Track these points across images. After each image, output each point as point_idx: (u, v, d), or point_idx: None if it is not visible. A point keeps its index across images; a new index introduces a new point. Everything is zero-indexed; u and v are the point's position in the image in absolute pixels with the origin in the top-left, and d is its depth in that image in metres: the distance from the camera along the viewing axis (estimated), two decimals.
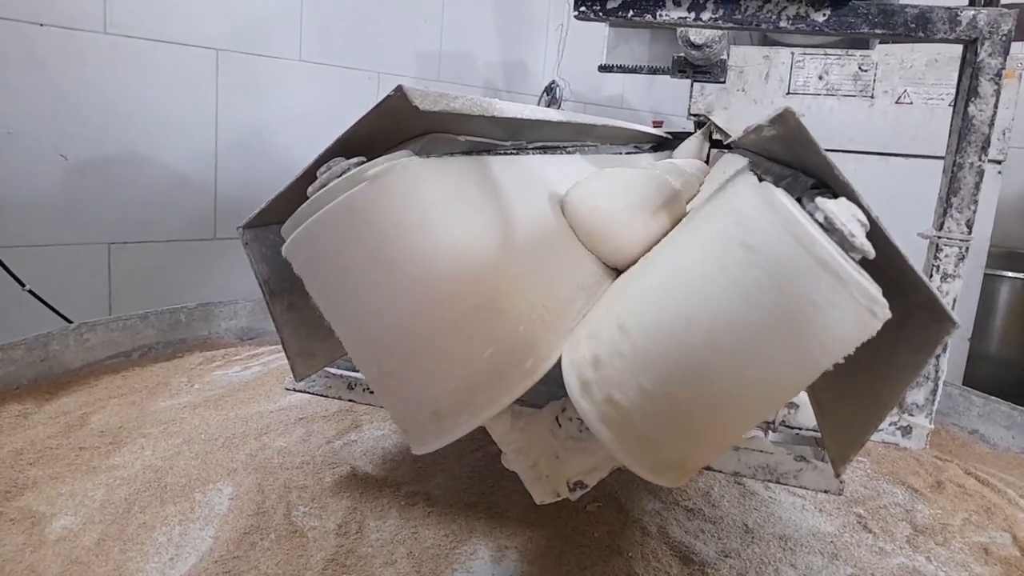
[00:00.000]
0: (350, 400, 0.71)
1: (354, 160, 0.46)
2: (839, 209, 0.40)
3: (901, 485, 0.85)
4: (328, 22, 1.85)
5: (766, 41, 2.25)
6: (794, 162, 0.60)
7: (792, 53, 1.98)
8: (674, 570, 0.65)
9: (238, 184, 1.72)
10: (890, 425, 0.66)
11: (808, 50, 1.98)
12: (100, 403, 0.89)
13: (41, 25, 1.38)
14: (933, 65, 1.87)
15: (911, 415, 0.65)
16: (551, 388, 0.51)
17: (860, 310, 0.39)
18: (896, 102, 1.92)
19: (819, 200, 0.41)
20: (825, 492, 0.60)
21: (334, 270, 0.46)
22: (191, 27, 1.59)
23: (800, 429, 0.64)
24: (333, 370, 0.71)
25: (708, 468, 0.63)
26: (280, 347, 1.09)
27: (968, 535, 0.75)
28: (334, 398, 0.70)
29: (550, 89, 2.27)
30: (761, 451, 0.60)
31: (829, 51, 1.96)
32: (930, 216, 1.85)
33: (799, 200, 0.44)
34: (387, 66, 1.96)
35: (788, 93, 2.00)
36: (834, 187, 0.48)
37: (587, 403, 0.44)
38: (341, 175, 0.45)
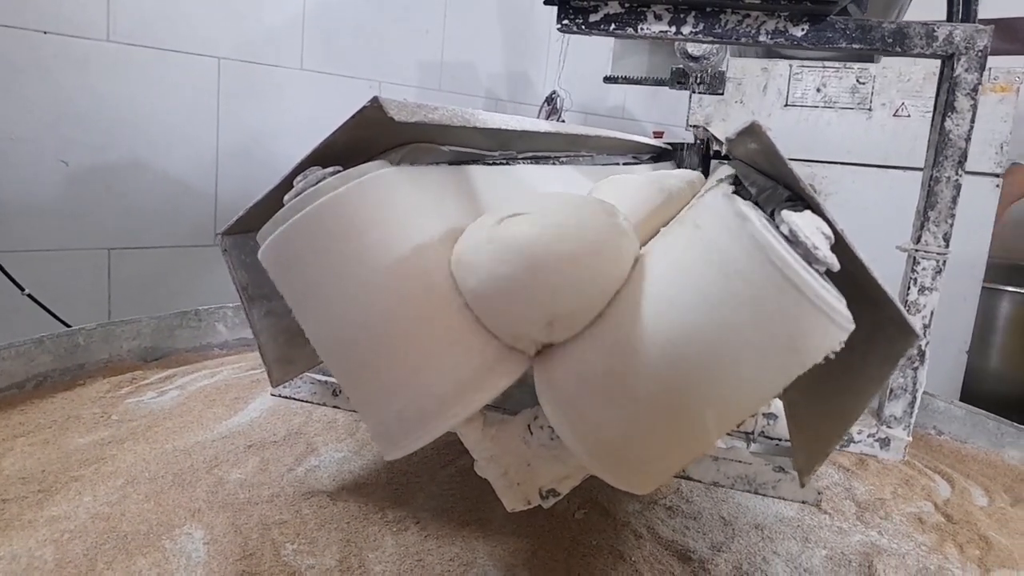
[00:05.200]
0: (335, 407, 0.72)
1: (330, 169, 0.47)
2: (803, 221, 0.41)
3: (833, 465, 0.93)
4: (330, 31, 1.87)
5: (769, 53, 2.26)
6: (774, 174, 0.61)
7: (790, 65, 2.00)
8: (677, 570, 0.65)
9: (239, 191, 1.75)
10: (868, 436, 0.66)
11: (806, 63, 2.00)
12: (6, 444, 0.78)
13: (45, 33, 1.40)
14: (931, 78, 1.87)
15: (889, 427, 0.65)
16: (525, 396, 0.51)
17: (822, 321, 0.40)
18: (894, 115, 1.93)
19: (784, 213, 0.42)
20: (803, 503, 0.60)
21: (306, 275, 0.47)
22: (194, 36, 1.62)
23: (779, 440, 0.65)
24: (319, 376, 0.72)
25: (688, 478, 0.64)
26: (193, 369, 1.08)
27: (901, 507, 0.82)
28: (319, 404, 0.71)
29: (551, 99, 2.28)
30: (740, 461, 0.61)
31: (827, 64, 1.97)
32: None
33: (772, 212, 0.45)
34: (389, 75, 1.97)
35: (786, 105, 2.01)
36: (805, 199, 0.48)
37: (554, 410, 0.44)
38: (317, 183, 0.46)
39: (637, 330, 0.43)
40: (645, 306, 0.43)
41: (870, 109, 1.93)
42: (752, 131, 0.51)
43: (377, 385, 0.46)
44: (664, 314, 0.42)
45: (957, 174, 0.62)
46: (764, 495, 0.62)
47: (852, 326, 0.41)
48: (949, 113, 0.62)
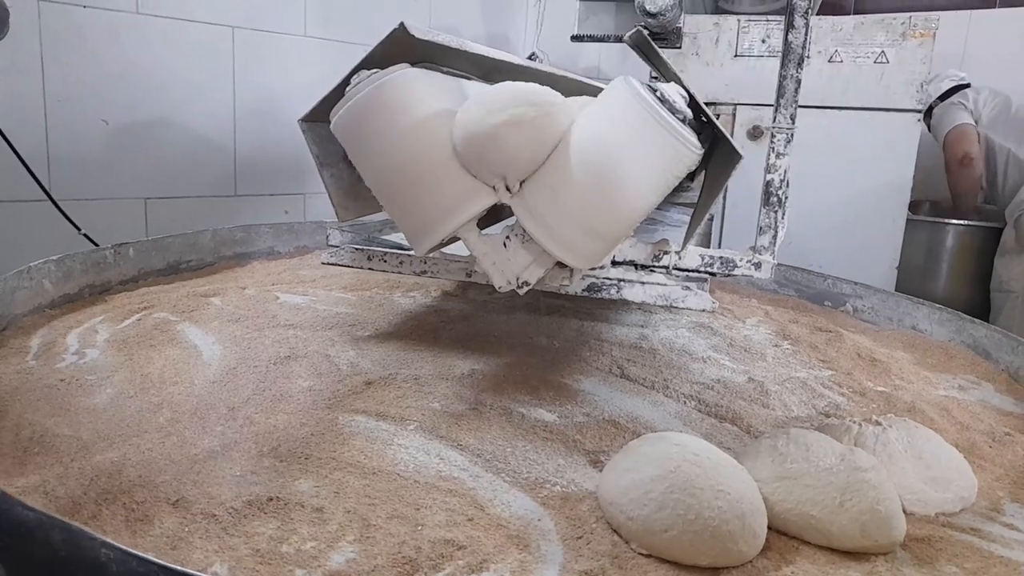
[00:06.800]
0: (369, 268, 0.92)
1: (373, 70, 0.73)
2: (669, 89, 0.68)
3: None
4: (328, 1, 2.04)
5: (717, 10, 2.43)
6: (662, 70, 0.88)
7: (739, 20, 2.16)
8: (615, 352, 0.98)
9: (253, 146, 1.95)
10: (746, 262, 0.85)
11: (753, 17, 2.18)
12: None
13: (84, 7, 1.59)
14: (860, 28, 2.07)
15: (760, 255, 0.85)
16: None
17: (680, 146, 0.67)
18: (829, 61, 2.11)
19: (658, 84, 0.70)
20: (703, 311, 0.83)
21: (363, 136, 0.74)
22: (211, 7, 1.79)
23: (687, 270, 0.85)
24: (357, 246, 0.93)
25: (626, 300, 0.85)
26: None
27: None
28: (356, 268, 0.93)
29: (531, 59, 2.38)
30: (661, 284, 0.83)
31: (770, 18, 2.16)
32: (861, 159, 2.11)
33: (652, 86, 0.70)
34: None
35: (736, 55, 2.18)
36: (675, 79, 0.74)
37: (523, 215, 0.71)
38: (367, 77, 0.72)
39: (570, 159, 0.68)
40: (574, 145, 0.69)
41: (808, 56, 2.07)
42: (638, 33, 0.83)
43: (412, 204, 0.74)
44: (585, 148, 0.68)
45: (797, 71, 0.82)
46: (676, 307, 0.84)
47: (701, 150, 0.68)
48: (791, 30, 0.82)
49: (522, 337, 1.02)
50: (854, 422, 0.69)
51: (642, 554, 0.53)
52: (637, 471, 0.56)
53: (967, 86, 2.47)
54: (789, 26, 0.82)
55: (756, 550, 0.53)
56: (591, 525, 0.57)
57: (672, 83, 0.71)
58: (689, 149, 0.67)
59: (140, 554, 0.38)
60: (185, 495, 0.57)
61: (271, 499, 0.57)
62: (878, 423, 0.68)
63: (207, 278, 1.26)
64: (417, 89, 0.73)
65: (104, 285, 1.13)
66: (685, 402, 0.84)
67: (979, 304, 2.37)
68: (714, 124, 0.75)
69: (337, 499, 0.58)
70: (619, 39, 1.99)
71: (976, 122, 2.39)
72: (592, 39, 2.04)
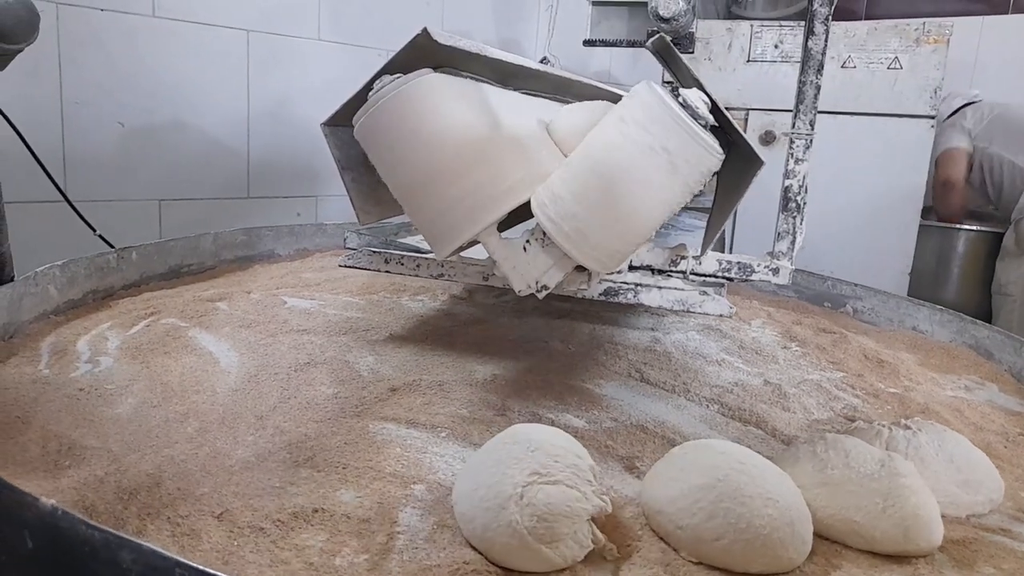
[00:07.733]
0: (387, 271, 0.91)
1: (396, 75, 0.74)
2: (691, 95, 0.69)
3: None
4: (342, 5, 2.05)
5: (729, 15, 2.43)
6: (678, 73, 0.90)
7: (751, 25, 2.15)
8: (631, 355, 0.98)
9: (267, 149, 1.97)
10: (764, 267, 0.85)
11: (766, 22, 2.17)
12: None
13: (101, 10, 1.61)
14: (873, 33, 2.06)
15: (778, 260, 0.85)
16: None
17: (703, 151, 0.68)
18: (842, 67, 2.11)
19: (681, 90, 0.70)
20: (720, 316, 0.83)
21: (386, 140, 0.74)
22: (226, 11, 1.82)
23: (704, 276, 0.86)
24: (375, 249, 0.93)
25: (641, 304, 0.84)
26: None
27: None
28: (374, 270, 0.92)
29: (543, 64, 2.37)
30: (678, 289, 0.83)
31: (784, 23, 2.16)
32: (874, 165, 2.11)
33: (675, 91, 0.70)
34: (395, 45, 2.07)
35: (749, 61, 2.18)
36: (696, 85, 0.74)
37: (545, 220, 0.71)
38: (391, 82, 0.72)
39: (593, 165, 0.69)
40: (597, 151, 0.70)
41: None
42: (661, 38, 0.85)
43: (434, 209, 0.73)
44: (608, 153, 0.69)
45: (816, 78, 0.83)
46: (693, 312, 0.83)
47: (722, 155, 0.68)
48: (811, 36, 0.82)
49: (536, 341, 1.02)
50: (883, 425, 0.70)
51: (692, 562, 0.54)
52: (683, 480, 0.56)
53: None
54: (809, 32, 0.82)
55: (804, 556, 0.54)
56: (637, 532, 0.57)
57: (694, 88, 0.71)
58: (712, 155, 0.68)
59: (219, 574, 0.37)
60: (228, 507, 0.56)
61: (316, 510, 0.57)
62: (907, 427, 0.69)
63: (209, 282, 1.24)
64: (440, 93, 0.73)
65: (107, 290, 1.12)
66: (707, 406, 0.85)
67: (989, 309, 2.36)
68: (736, 131, 0.76)
69: (382, 510, 0.58)
70: (631, 44, 1.98)
71: (974, 136, 2.35)
72: (604, 44, 2.01)
